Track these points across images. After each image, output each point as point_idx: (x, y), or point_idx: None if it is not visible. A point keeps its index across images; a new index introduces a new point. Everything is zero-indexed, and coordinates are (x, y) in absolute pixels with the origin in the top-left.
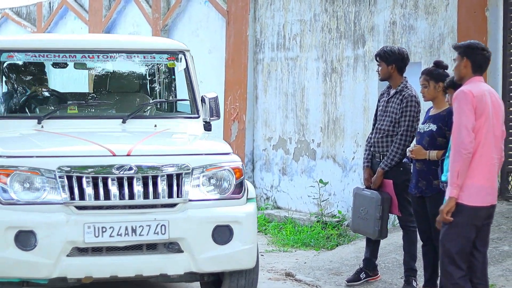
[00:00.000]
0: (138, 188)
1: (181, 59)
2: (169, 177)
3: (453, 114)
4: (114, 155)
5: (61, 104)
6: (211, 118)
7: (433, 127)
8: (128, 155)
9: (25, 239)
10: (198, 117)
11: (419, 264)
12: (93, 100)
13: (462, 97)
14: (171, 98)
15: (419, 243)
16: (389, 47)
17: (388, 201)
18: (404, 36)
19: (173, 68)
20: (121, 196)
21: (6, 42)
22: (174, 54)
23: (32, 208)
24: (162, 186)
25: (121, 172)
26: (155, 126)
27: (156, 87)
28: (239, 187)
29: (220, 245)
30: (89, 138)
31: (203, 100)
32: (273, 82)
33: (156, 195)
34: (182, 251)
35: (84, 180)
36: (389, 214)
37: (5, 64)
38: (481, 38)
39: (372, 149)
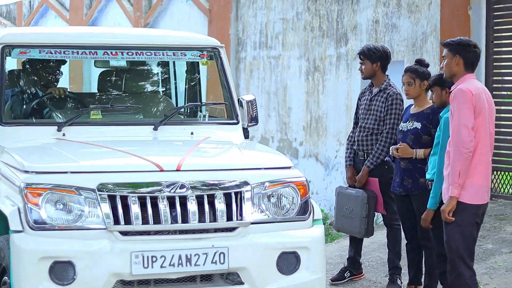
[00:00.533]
0: (192, 209)
1: (215, 56)
2: (227, 196)
3: (437, 112)
4: (162, 170)
5: (84, 109)
6: (249, 124)
7: (418, 125)
8: (177, 170)
9: (62, 271)
10: (237, 123)
11: (403, 263)
12: (119, 103)
13: (461, 95)
14: (200, 100)
15: (403, 241)
16: (372, 44)
17: (374, 199)
18: (387, 34)
19: (202, 67)
20: (173, 219)
21: (18, 36)
22: (207, 51)
23: (69, 235)
24: (219, 206)
25: (172, 191)
26: (192, 134)
27: (186, 88)
28: (305, 207)
29: (286, 275)
30: (126, 150)
31: (240, 103)
32: (255, 80)
33: (212, 217)
34: (242, 283)
35: (129, 200)
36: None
37: (16, 62)
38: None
39: (355, 147)
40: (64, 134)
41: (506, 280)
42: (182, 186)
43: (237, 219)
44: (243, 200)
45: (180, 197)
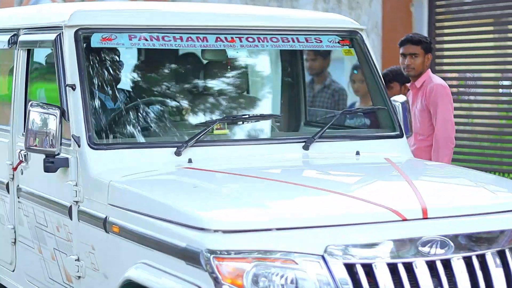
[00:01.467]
0: (462, 279)
1: (356, 43)
2: (501, 254)
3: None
4: (405, 220)
5: (208, 121)
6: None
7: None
8: (424, 217)
9: None
10: (402, 135)
11: None
12: (249, 109)
13: (443, 91)
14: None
15: None
16: None
17: None
18: None
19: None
20: None
21: (97, 14)
22: (346, 37)
23: None
24: (495, 272)
25: (431, 252)
26: (357, 153)
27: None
28: None
29: None
30: (320, 186)
31: (393, 107)
32: None
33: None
34: None
35: (377, 272)
36: None
37: (98, 52)
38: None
39: None
40: (190, 160)
41: None
42: (443, 245)
43: None
44: None
45: (442, 261)
